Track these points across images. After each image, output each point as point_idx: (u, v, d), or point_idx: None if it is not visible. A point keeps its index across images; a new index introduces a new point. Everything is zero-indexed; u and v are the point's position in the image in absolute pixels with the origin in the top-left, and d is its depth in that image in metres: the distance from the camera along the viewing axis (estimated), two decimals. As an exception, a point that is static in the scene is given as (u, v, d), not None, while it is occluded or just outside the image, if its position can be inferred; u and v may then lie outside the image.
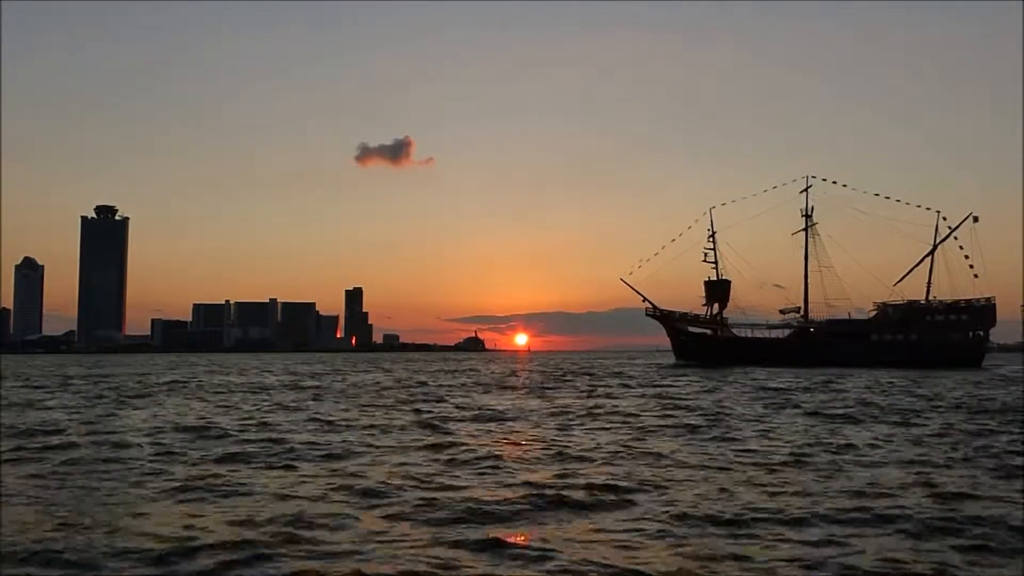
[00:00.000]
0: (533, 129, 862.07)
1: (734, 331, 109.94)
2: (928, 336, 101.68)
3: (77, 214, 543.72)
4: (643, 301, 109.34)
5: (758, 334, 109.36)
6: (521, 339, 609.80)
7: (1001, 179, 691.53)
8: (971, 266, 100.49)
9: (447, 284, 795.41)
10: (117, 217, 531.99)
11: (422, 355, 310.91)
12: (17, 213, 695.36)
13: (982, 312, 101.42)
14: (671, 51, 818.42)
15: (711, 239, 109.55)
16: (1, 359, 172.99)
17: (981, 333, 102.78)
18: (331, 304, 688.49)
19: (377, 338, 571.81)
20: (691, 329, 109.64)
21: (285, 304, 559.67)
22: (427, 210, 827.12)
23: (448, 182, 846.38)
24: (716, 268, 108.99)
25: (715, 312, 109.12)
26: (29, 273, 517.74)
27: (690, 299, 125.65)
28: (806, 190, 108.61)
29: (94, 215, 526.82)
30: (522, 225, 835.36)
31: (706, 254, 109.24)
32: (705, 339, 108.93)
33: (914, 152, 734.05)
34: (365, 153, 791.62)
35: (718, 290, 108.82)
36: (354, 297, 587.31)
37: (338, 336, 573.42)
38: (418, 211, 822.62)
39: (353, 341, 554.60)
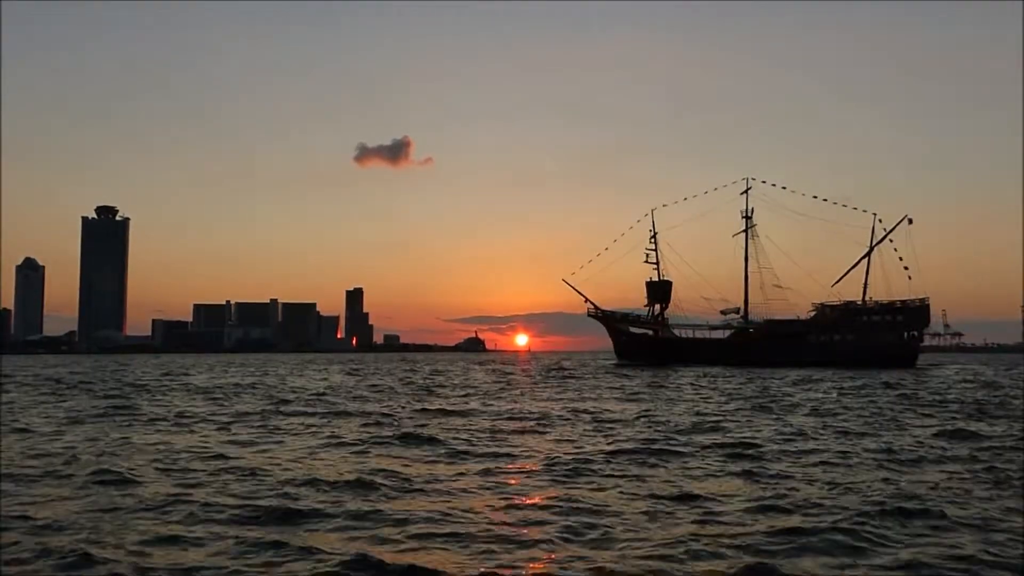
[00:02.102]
0: (533, 129, 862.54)
1: (676, 331, 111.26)
2: (864, 336, 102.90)
3: (78, 214, 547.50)
4: (585, 302, 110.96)
5: (699, 334, 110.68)
6: (522, 339, 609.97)
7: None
8: (905, 268, 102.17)
9: (447, 284, 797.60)
10: (118, 217, 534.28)
11: (423, 355, 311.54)
12: (17, 213, 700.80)
13: (916, 313, 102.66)
14: (672, 51, 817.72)
15: (652, 240, 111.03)
16: (2, 359, 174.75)
17: (915, 333, 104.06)
18: (332, 304, 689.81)
19: (378, 338, 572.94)
20: (632, 329, 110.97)
21: (286, 304, 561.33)
22: (427, 210, 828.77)
23: (447, 182, 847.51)
24: (657, 269, 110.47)
25: (656, 312, 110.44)
26: (30, 273, 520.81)
27: (635, 299, 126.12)
28: (746, 191, 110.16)
29: (95, 215, 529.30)
30: (522, 225, 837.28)
31: (648, 255, 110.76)
32: (645, 339, 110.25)
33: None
34: (364, 153, 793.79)
35: (659, 290, 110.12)
36: (355, 297, 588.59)
37: (339, 337, 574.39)
38: (418, 211, 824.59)
39: (354, 342, 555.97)
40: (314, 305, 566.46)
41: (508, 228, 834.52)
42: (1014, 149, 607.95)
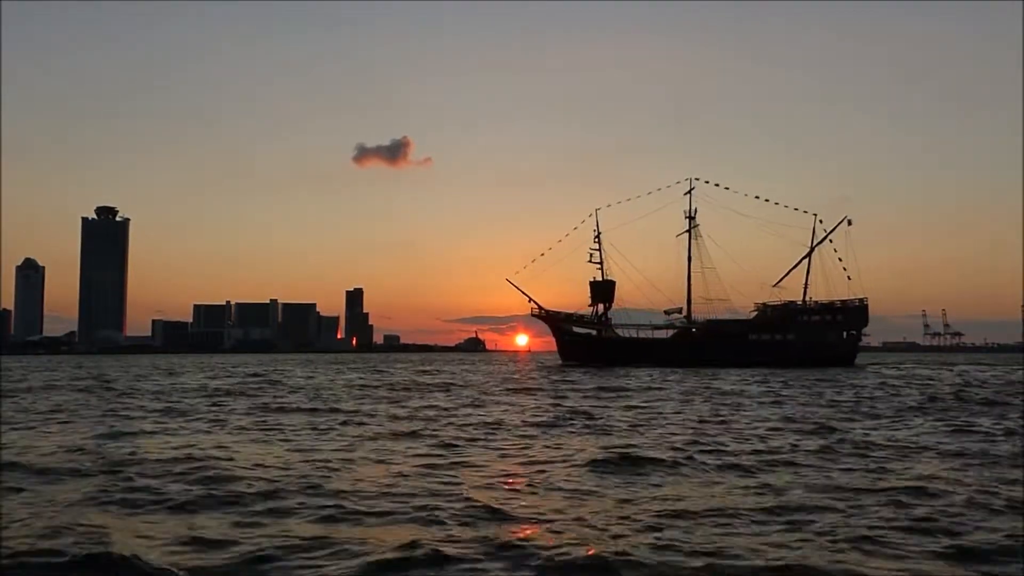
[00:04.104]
0: (532, 129, 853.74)
1: (619, 331, 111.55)
2: (804, 336, 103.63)
3: (78, 215, 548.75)
4: (529, 302, 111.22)
5: (643, 334, 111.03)
6: (522, 340, 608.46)
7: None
8: (844, 268, 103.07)
9: (447, 284, 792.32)
10: (118, 218, 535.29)
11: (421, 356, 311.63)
12: (17, 214, 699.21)
13: (855, 312, 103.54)
14: (672, 52, 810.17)
15: (596, 239, 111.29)
16: (1, 360, 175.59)
17: (854, 333, 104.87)
18: (332, 305, 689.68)
19: (378, 339, 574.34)
20: (575, 329, 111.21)
21: (286, 305, 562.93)
22: (426, 210, 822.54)
23: (447, 182, 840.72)
24: (601, 268, 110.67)
25: (600, 312, 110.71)
26: (30, 274, 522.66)
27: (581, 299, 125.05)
28: (690, 192, 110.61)
29: (95, 216, 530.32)
30: (522, 225, 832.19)
31: (591, 255, 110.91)
32: (589, 340, 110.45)
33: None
34: (363, 153, 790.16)
35: (603, 290, 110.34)
36: (355, 298, 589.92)
37: (339, 337, 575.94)
38: (417, 211, 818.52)
39: (354, 342, 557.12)
40: (314, 305, 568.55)
41: (508, 228, 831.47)
42: (1014, 149, 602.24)
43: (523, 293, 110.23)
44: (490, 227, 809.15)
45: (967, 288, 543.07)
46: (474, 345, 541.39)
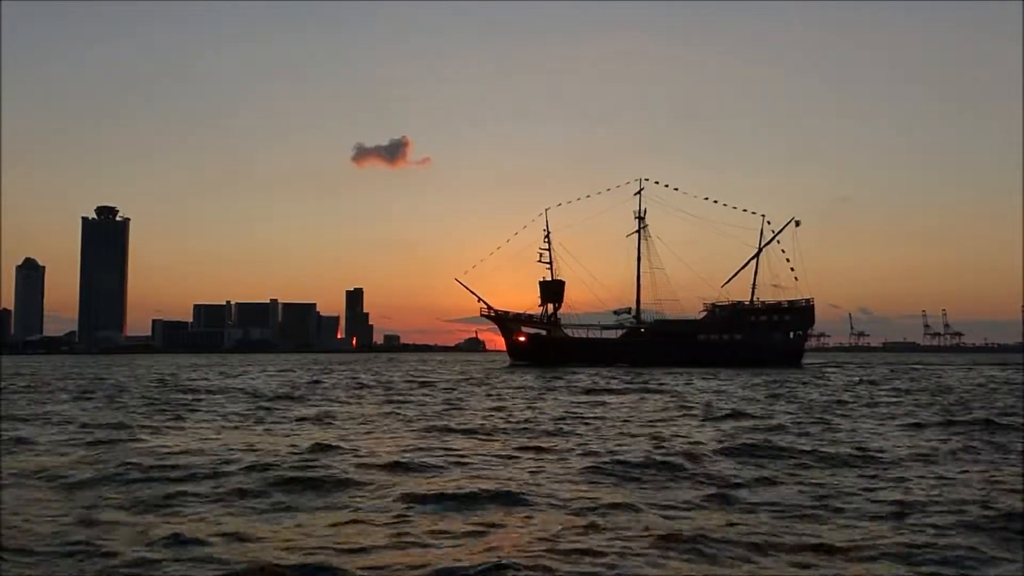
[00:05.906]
0: (532, 128, 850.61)
1: (569, 331, 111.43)
2: (751, 336, 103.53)
3: (78, 215, 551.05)
4: (478, 301, 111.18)
5: (592, 334, 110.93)
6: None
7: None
8: (792, 269, 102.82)
9: (447, 284, 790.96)
10: (118, 218, 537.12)
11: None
12: (18, 213, 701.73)
13: (802, 313, 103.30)
14: (671, 53, 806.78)
15: (546, 239, 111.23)
16: (1, 360, 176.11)
17: (801, 333, 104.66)
18: (332, 305, 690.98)
19: (378, 339, 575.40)
20: (525, 329, 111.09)
21: (286, 305, 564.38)
22: (426, 210, 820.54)
23: (446, 182, 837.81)
24: (551, 268, 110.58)
25: (550, 312, 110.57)
26: (30, 274, 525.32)
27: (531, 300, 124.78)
28: (639, 192, 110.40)
29: (95, 216, 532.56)
30: (522, 225, 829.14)
31: (541, 254, 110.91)
32: (538, 340, 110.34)
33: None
34: (361, 153, 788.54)
35: (552, 290, 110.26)
36: (355, 298, 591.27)
37: (339, 337, 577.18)
38: (417, 211, 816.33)
39: (354, 342, 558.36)
40: (314, 305, 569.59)
41: (507, 228, 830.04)
42: (1014, 149, 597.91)
43: (472, 292, 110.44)
44: (490, 227, 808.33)
45: (967, 288, 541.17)
46: (474, 345, 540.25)
